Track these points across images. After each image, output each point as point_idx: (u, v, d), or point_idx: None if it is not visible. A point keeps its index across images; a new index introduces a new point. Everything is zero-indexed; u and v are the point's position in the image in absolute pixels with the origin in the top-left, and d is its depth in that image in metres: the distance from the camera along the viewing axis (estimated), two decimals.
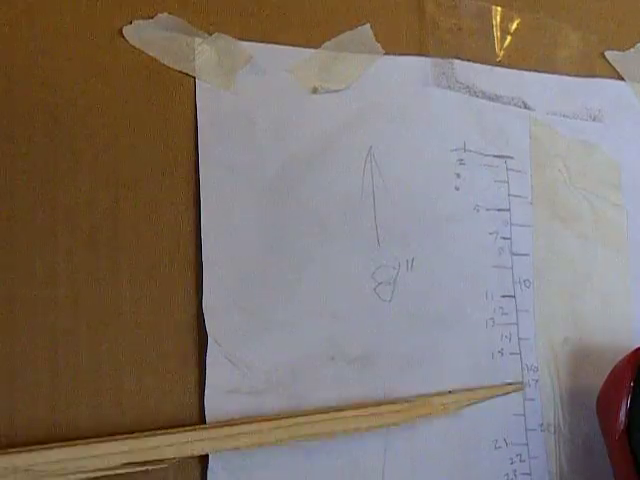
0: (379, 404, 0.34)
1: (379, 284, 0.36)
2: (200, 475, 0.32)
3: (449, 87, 0.38)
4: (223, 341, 0.32)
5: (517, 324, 0.38)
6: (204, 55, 0.34)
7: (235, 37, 0.34)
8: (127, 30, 0.33)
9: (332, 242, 0.35)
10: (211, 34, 0.34)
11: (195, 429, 0.31)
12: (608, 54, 0.42)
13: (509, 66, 0.40)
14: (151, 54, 0.33)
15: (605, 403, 0.36)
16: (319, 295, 0.34)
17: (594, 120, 0.41)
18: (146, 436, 0.30)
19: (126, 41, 0.32)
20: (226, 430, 0.31)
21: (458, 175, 0.38)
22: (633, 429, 0.34)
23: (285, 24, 0.35)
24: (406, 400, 0.35)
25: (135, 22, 0.33)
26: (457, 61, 0.39)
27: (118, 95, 0.32)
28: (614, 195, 0.42)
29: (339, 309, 0.34)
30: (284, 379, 0.33)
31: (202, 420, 0.32)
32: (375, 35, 0.37)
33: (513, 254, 0.39)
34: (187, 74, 0.33)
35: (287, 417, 0.32)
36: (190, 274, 0.33)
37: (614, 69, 0.42)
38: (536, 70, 0.40)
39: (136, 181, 0.32)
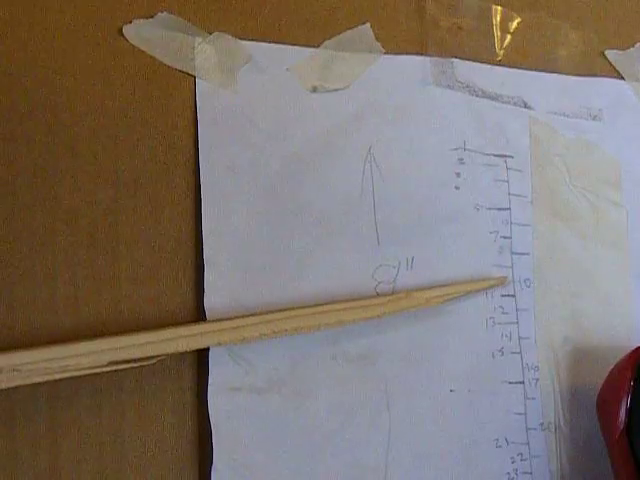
0: (362, 299, 0.34)
1: (379, 284, 0.36)
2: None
3: (449, 86, 0.38)
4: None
5: (517, 323, 0.38)
6: (204, 54, 0.34)
7: (235, 36, 0.34)
8: (127, 30, 0.32)
9: (332, 242, 0.35)
10: (211, 33, 0.34)
11: (180, 325, 0.31)
12: (608, 54, 0.42)
13: (509, 65, 0.40)
14: (151, 54, 0.33)
15: (605, 403, 0.36)
16: (319, 295, 0.34)
17: (594, 119, 0.41)
18: (133, 335, 0.30)
19: (126, 41, 0.32)
20: (215, 325, 0.31)
21: (458, 174, 0.38)
22: (633, 429, 0.34)
23: (285, 24, 0.35)
24: (390, 294, 0.35)
25: (135, 21, 0.33)
26: (457, 60, 0.39)
27: (118, 95, 0.32)
28: (614, 194, 0.42)
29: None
30: (286, 377, 0.33)
31: (206, 418, 0.32)
32: (375, 34, 0.37)
33: (513, 253, 0.39)
34: (187, 73, 0.33)
35: (273, 312, 0.32)
36: (190, 274, 0.33)
37: (614, 69, 0.42)
38: (536, 69, 0.40)
39: (136, 181, 0.32)
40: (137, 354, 0.29)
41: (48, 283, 0.30)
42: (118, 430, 0.31)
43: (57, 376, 0.28)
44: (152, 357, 0.29)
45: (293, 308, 0.33)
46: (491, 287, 0.37)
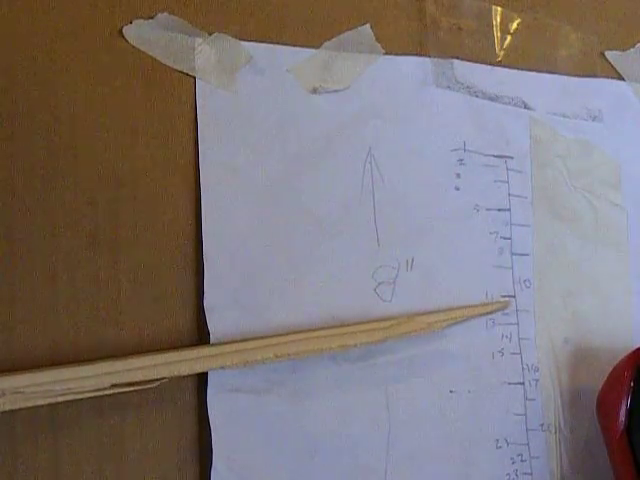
0: (365, 323, 0.34)
1: (379, 284, 0.36)
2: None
3: (449, 87, 0.38)
4: (225, 340, 0.32)
5: (517, 324, 0.38)
6: (204, 55, 0.34)
7: (235, 37, 0.34)
8: (127, 30, 0.32)
9: (332, 242, 0.35)
10: (211, 34, 0.34)
11: (183, 349, 0.31)
12: (608, 54, 0.42)
13: (509, 66, 0.40)
14: (151, 54, 0.33)
15: (605, 403, 0.36)
16: (319, 295, 0.34)
17: (594, 120, 0.41)
18: (135, 357, 0.30)
19: (126, 41, 0.32)
20: (217, 349, 0.31)
21: (458, 175, 0.38)
22: (633, 429, 0.34)
23: (285, 24, 0.35)
24: (391, 318, 0.35)
25: (135, 22, 0.33)
26: (457, 61, 0.39)
27: (118, 95, 0.32)
28: (614, 195, 0.42)
29: (339, 309, 0.34)
30: (285, 378, 0.33)
31: (206, 419, 0.32)
32: (375, 35, 0.37)
33: (513, 254, 0.39)
34: (187, 74, 0.33)
35: (276, 336, 0.32)
36: (190, 274, 0.33)
37: (614, 69, 0.42)
38: (536, 70, 0.40)
39: (136, 181, 0.32)
40: (139, 377, 0.29)
41: (48, 283, 0.30)
42: (118, 430, 0.31)
43: (60, 399, 0.28)
44: (154, 380, 0.30)
45: (296, 332, 0.33)
46: (494, 312, 0.37)
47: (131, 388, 0.29)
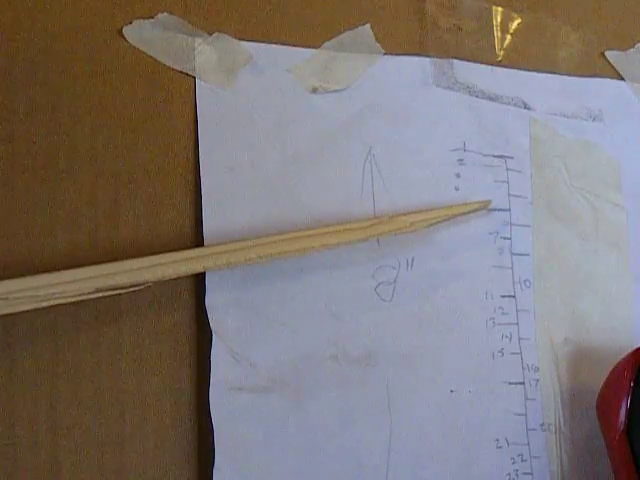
0: (346, 223, 0.34)
1: (379, 284, 0.36)
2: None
3: (449, 87, 0.38)
4: (227, 338, 0.32)
5: (517, 324, 0.38)
6: (204, 55, 0.34)
7: (235, 37, 0.34)
8: (127, 30, 0.33)
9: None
10: (211, 34, 0.34)
11: (165, 253, 0.30)
12: (608, 54, 0.42)
13: (509, 66, 0.40)
14: (151, 54, 0.33)
15: (605, 403, 0.36)
16: (320, 295, 0.34)
17: (594, 120, 0.41)
18: (120, 262, 0.30)
19: (126, 41, 0.33)
20: (201, 251, 0.31)
21: (458, 175, 0.38)
22: (633, 429, 0.34)
23: (285, 24, 0.35)
24: (374, 218, 0.35)
25: (135, 22, 0.33)
26: (457, 61, 0.39)
27: (118, 95, 0.32)
28: (614, 195, 0.41)
29: (340, 309, 0.34)
30: (287, 378, 0.33)
31: (206, 418, 0.32)
32: (375, 35, 0.37)
33: (513, 254, 0.39)
34: (187, 74, 0.33)
35: (258, 237, 0.32)
36: (190, 274, 0.33)
37: (614, 69, 0.42)
38: (536, 70, 0.40)
39: (136, 181, 0.32)
40: (124, 280, 0.29)
41: None
42: (118, 430, 0.31)
43: (44, 304, 0.28)
44: (139, 284, 0.29)
45: (277, 234, 0.32)
46: (474, 211, 0.37)
47: (116, 292, 0.29)
